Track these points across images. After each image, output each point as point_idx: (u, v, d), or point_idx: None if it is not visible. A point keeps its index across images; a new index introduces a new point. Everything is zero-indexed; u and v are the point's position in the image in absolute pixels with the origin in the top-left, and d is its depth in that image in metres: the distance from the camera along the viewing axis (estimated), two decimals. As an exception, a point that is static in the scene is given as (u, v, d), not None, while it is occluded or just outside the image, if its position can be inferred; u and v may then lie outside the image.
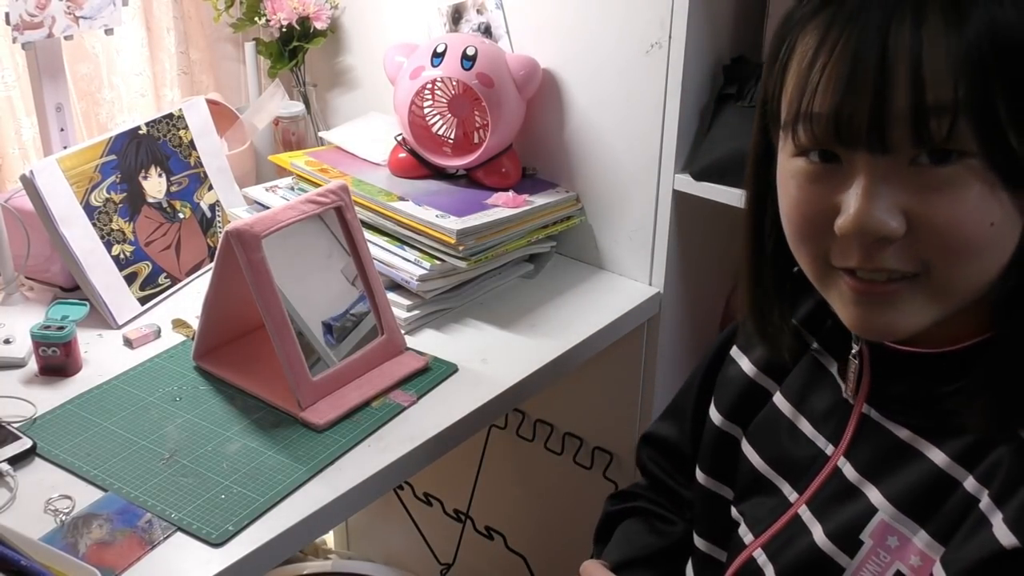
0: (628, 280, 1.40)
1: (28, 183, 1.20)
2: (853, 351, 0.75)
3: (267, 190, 1.42)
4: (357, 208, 1.21)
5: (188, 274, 1.37)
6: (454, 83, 1.38)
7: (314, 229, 1.14)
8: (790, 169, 0.67)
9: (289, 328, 1.07)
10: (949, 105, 0.58)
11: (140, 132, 1.34)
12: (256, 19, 1.57)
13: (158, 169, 1.36)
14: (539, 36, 1.38)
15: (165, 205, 1.36)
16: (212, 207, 1.43)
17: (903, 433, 0.71)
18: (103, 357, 1.19)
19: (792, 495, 0.78)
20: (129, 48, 1.58)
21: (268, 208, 1.24)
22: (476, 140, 1.43)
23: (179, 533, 0.91)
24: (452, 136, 1.45)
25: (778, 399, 0.83)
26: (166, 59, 1.63)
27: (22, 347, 1.17)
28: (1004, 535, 0.61)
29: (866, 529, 0.70)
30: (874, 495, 0.71)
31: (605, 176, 1.38)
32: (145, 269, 1.31)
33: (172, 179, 1.38)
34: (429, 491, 1.79)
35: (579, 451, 1.54)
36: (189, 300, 1.32)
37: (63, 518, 0.92)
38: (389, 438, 1.05)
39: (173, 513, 0.93)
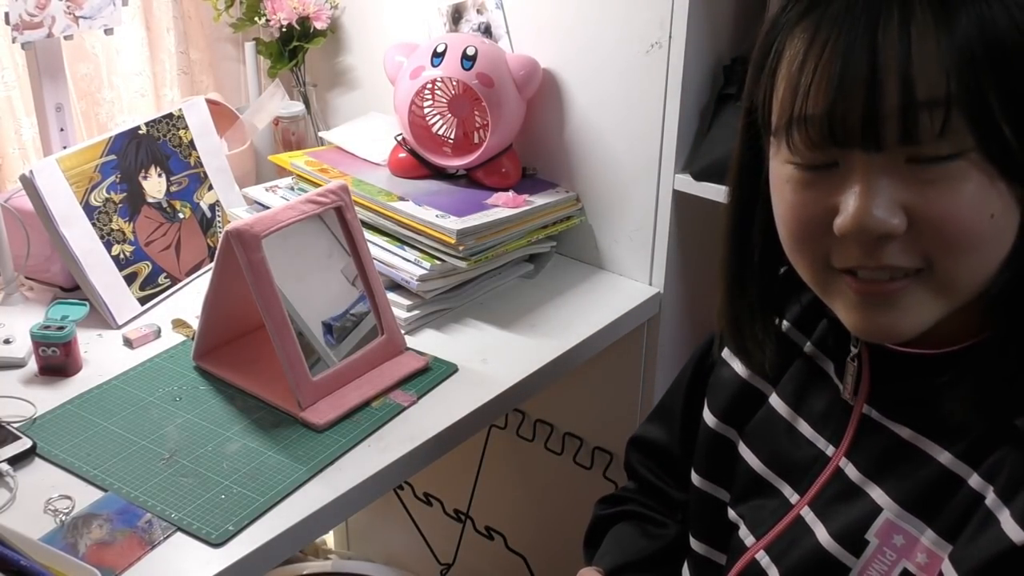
0: (628, 280, 1.40)
1: (28, 183, 1.20)
2: (852, 353, 0.75)
3: (267, 190, 1.42)
4: (357, 208, 1.21)
5: (188, 274, 1.37)
6: (454, 83, 1.38)
7: (314, 229, 1.14)
8: (784, 174, 0.67)
9: (289, 328, 1.07)
10: (941, 101, 0.59)
11: (140, 132, 1.34)
12: (256, 19, 1.57)
13: (158, 169, 1.36)
14: (539, 36, 1.38)
15: (165, 205, 1.36)
16: (212, 207, 1.43)
17: (905, 432, 0.71)
18: (103, 357, 1.19)
19: (793, 496, 0.78)
20: (129, 48, 1.58)
21: (268, 208, 1.25)
22: (476, 140, 1.43)
23: (179, 533, 0.91)
24: (452, 136, 1.45)
25: (775, 401, 0.83)
26: (166, 59, 1.63)
27: (22, 347, 1.17)
28: (1014, 530, 0.61)
29: (871, 528, 0.70)
30: (878, 495, 0.71)
31: (605, 176, 1.38)
32: (145, 269, 1.31)
33: (172, 179, 1.38)
34: (429, 491, 1.79)
35: (579, 451, 1.54)
36: (189, 300, 1.32)
37: (63, 518, 0.92)
38: (389, 438, 1.05)
39: (173, 513, 0.93)
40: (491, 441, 1.63)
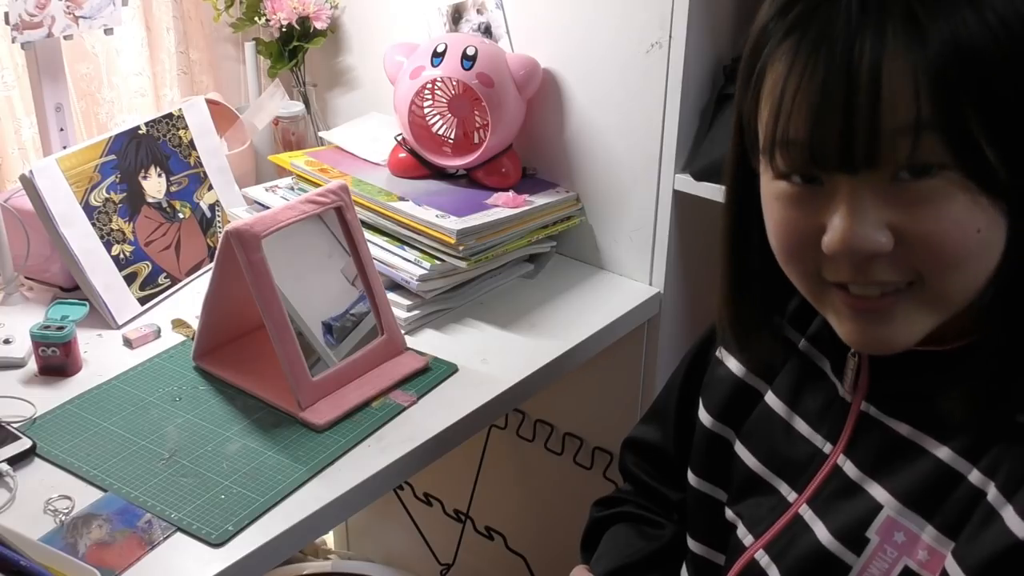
0: (628, 280, 1.40)
1: (28, 183, 1.20)
2: (853, 349, 0.75)
3: (267, 190, 1.42)
4: (357, 208, 1.21)
5: (188, 274, 1.37)
6: (454, 83, 1.38)
7: (314, 229, 1.14)
8: (773, 191, 0.68)
9: (289, 328, 1.07)
10: (912, 123, 0.59)
11: (140, 132, 1.34)
12: (256, 19, 1.57)
13: (158, 169, 1.36)
14: (539, 36, 1.38)
15: (165, 205, 1.36)
16: (212, 207, 1.43)
17: (903, 429, 0.71)
18: (103, 357, 1.19)
19: (791, 495, 0.78)
20: (129, 48, 1.58)
21: (268, 208, 1.25)
22: (476, 140, 1.43)
23: (179, 533, 0.91)
24: (452, 136, 1.45)
25: (770, 399, 0.83)
26: (166, 59, 1.63)
27: (22, 347, 1.17)
28: (1018, 526, 0.62)
29: (872, 526, 0.70)
30: (878, 492, 0.71)
31: (605, 176, 1.38)
32: (145, 269, 1.31)
33: (172, 179, 1.38)
34: (429, 491, 1.79)
35: (579, 451, 1.54)
36: (189, 300, 1.32)
37: (63, 518, 0.92)
38: (389, 438, 1.05)
39: (173, 513, 0.93)
40: (491, 441, 1.63)
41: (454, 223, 1.25)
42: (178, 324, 1.25)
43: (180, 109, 1.41)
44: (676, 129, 1.26)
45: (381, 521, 1.95)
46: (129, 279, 1.29)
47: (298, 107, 1.59)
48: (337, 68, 1.66)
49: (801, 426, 0.79)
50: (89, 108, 1.56)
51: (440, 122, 1.45)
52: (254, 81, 1.63)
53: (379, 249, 1.28)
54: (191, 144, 1.41)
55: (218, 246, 1.13)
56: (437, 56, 1.35)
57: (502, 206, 1.33)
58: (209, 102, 1.48)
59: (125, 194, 1.31)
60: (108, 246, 1.27)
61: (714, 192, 1.24)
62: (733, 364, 0.86)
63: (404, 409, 1.10)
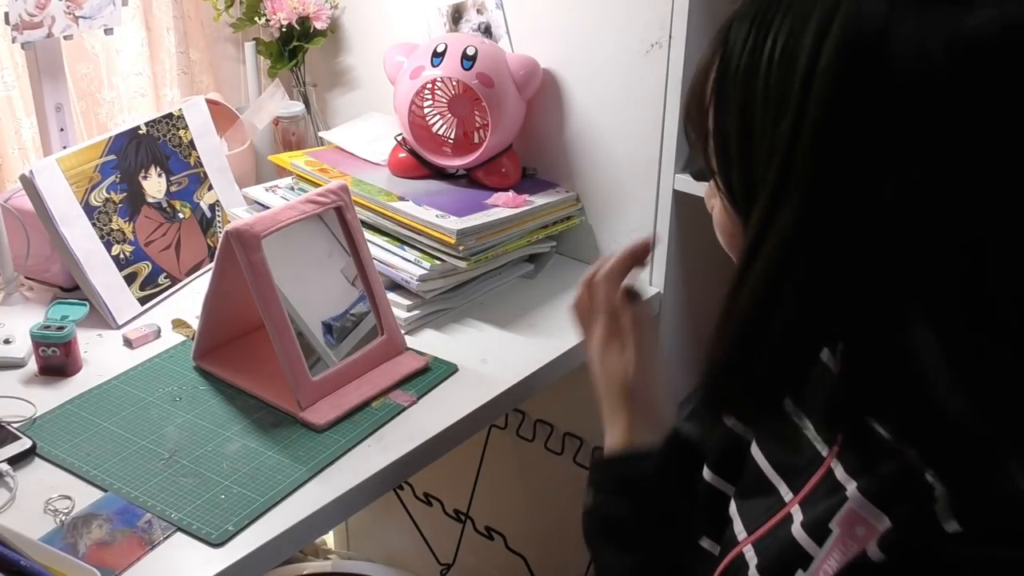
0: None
1: (28, 183, 1.20)
2: None
3: (267, 190, 1.42)
4: (357, 208, 1.21)
5: (188, 274, 1.37)
6: (454, 83, 1.38)
7: (314, 229, 1.14)
8: None
9: (289, 328, 1.07)
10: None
11: (140, 132, 1.34)
12: (256, 19, 1.57)
13: (158, 169, 1.36)
14: (539, 36, 1.38)
15: (165, 205, 1.36)
16: (212, 207, 1.43)
17: (888, 429, 0.71)
18: (103, 357, 1.19)
19: (788, 495, 0.78)
20: (129, 48, 1.58)
21: (268, 208, 1.25)
22: (476, 140, 1.43)
23: (179, 533, 0.91)
24: (452, 136, 1.45)
25: (787, 403, 0.83)
26: (166, 59, 1.63)
27: (22, 347, 1.17)
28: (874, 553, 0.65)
29: (835, 518, 0.70)
30: (851, 488, 0.71)
31: (605, 176, 1.38)
32: (145, 269, 1.31)
33: (172, 179, 1.38)
34: (429, 491, 1.78)
35: (579, 451, 1.54)
36: (189, 300, 1.32)
37: (63, 518, 0.92)
38: (389, 438, 1.05)
39: (173, 513, 0.93)
40: (491, 441, 1.63)
41: (454, 223, 1.25)
42: (178, 324, 1.25)
43: (180, 109, 1.41)
44: (676, 129, 1.26)
45: (381, 521, 1.95)
46: (129, 279, 1.29)
47: (298, 107, 1.59)
48: (337, 68, 1.66)
49: (809, 430, 0.79)
50: (89, 108, 1.56)
51: (440, 122, 1.45)
52: (254, 81, 1.63)
53: (379, 249, 1.28)
54: (191, 144, 1.41)
55: (218, 246, 1.13)
56: (437, 56, 1.35)
57: (502, 206, 1.33)
58: (209, 102, 1.48)
59: (125, 194, 1.31)
60: (108, 246, 1.27)
61: (714, 192, 1.24)
62: None
63: (404, 409, 1.10)
